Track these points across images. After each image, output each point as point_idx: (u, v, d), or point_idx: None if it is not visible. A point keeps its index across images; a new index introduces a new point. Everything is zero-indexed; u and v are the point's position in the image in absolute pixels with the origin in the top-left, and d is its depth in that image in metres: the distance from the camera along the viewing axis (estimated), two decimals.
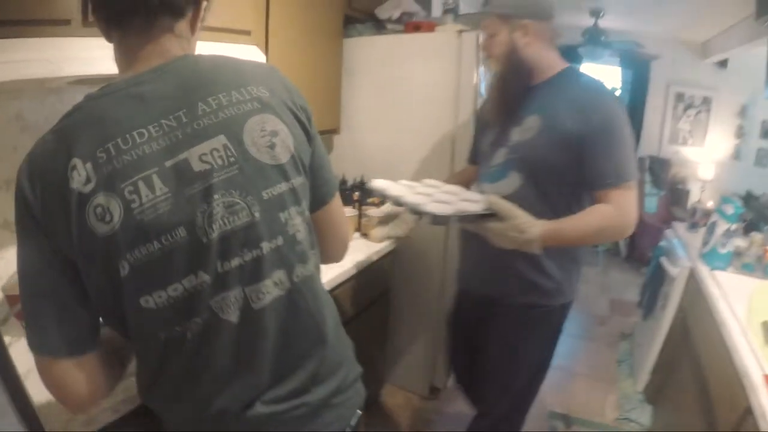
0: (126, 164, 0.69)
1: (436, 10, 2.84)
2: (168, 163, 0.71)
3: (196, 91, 0.76)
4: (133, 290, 0.72)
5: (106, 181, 0.68)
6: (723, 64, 4.71)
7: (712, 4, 3.21)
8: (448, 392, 2.54)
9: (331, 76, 2.28)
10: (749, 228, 2.54)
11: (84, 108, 0.73)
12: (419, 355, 2.49)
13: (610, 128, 1.30)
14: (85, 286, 0.73)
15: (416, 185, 1.45)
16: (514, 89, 1.45)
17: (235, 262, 0.76)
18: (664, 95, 5.13)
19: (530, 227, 1.25)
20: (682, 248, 2.57)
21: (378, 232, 1.69)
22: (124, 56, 0.78)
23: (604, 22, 4.09)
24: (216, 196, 0.73)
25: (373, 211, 1.78)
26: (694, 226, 2.77)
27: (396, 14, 2.31)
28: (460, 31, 2.06)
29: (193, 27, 0.82)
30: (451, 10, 2.31)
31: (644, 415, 2.54)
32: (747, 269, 2.23)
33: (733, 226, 2.18)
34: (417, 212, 1.30)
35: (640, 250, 4.57)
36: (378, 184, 1.46)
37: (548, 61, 1.44)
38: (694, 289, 2.22)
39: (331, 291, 1.67)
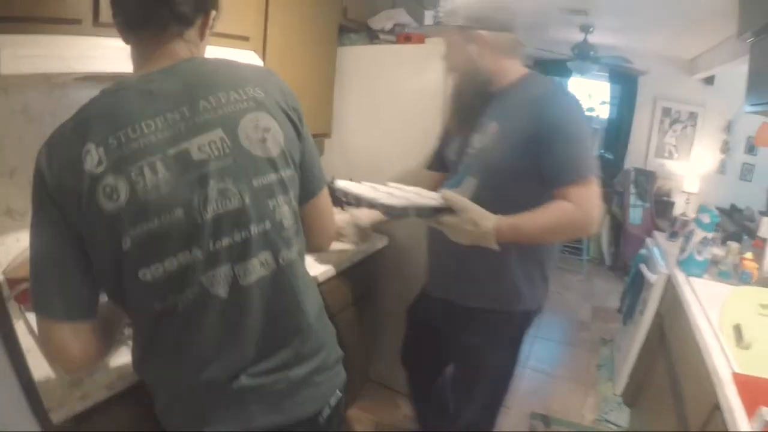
0: (134, 150, 0.78)
1: (428, 22, 2.92)
2: (171, 152, 0.81)
3: (198, 90, 0.85)
4: (132, 263, 0.80)
5: (115, 165, 0.77)
6: (710, 80, 4.80)
7: (699, 22, 3.26)
8: None
9: (325, 83, 2.34)
10: (729, 238, 2.62)
11: (100, 100, 0.82)
12: None
13: (566, 126, 1.32)
14: (89, 258, 0.82)
15: (379, 186, 1.46)
16: (470, 98, 1.49)
17: (225, 241, 0.85)
18: (651, 110, 5.22)
19: (484, 220, 1.26)
20: (661, 256, 2.64)
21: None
22: (138, 57, 0.89)
23: (593, 38, 4.15)
24: (211, 182, 0.82)
25: (359, 212, 1.85)
26: (673, 235, 2.84)
27: (389, 25, 2.39)
28: None
29: (201, 33, 0.92)
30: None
31: (621, 417, 2.61)
32: (723, 277, 2.31)
33: (710, 235, 2.25)
34: (373, 206, 1.32)
35: (624, 259, 4.65)
36: (340, 184, 1.49)
37: (505, 70, 1.46)
38: (671, 295, 2.29)
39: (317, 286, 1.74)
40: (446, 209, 1.29)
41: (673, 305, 2.22)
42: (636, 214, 4.96)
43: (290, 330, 0.97)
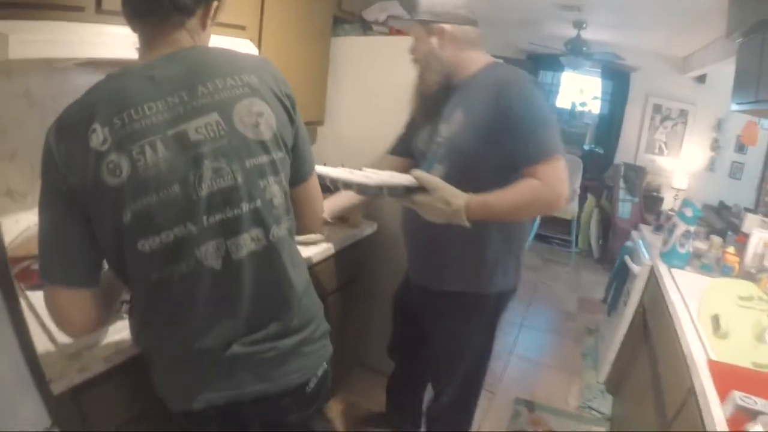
0: (136, 130, 0.84)
1: None
2: (170, 132, 0.87)
3: (197, 76, 0.91)
4: (132, 234, 0.86)
5: (119, 143, 0.83)
6: (701, 79, 4.84)
7: (691, 21, 3.29)
8: None
9: (318, 72, 2.38)
10: (715, 234, 2.68)
11: (105, 84, 0.88)
12: None
13: (527, 109, 1.36)
14: (93, 230, 0.87)
15: (355, 171, 1.49)
16: (433, 89, 1.55)
17: (218, 217, 0.91)
18: (642, 106, 5.27)
19: (455, 198, 1.30)
20: (646, 248, 2.71)
21: None
22: (143, 44, 0.94)
23: (586, 34, 4.17)
24: (206, 162, 0.88)
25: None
26: (658, 228, 2.90)
27: (382, 17, 2.42)
28: None
29: (203, 24, 0.97)
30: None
31: (604, 404, 2.69)
32: (705, 270, 2.37)
33: (692, 228, 2.32)
34: (348, 186, 1.37)
35: (612, 253, 4.71)
36: (318, 169, 1.54)
37: (468, 61, 1.52)
38: (654, 286, 2.35)
39: (309, 269, 1.79)
40: (419, 189, 1.34)
41: (655, 296, 2.27)
42: (625, 208, 5.02)
43: (279, 303, 1.03)
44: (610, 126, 5.66)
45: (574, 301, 4.18)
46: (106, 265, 0.97)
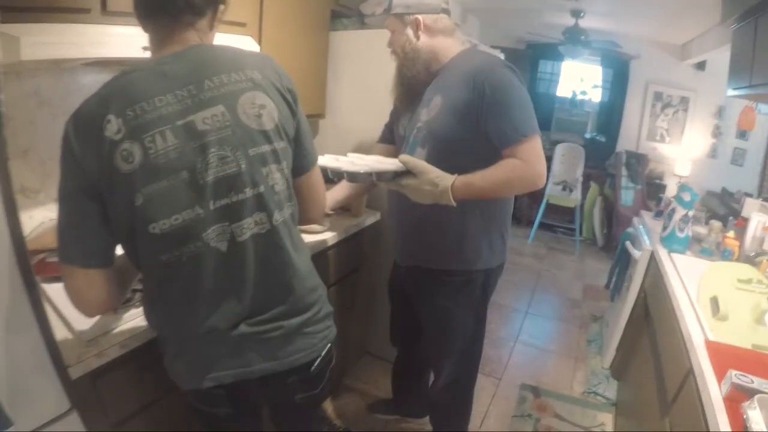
0: (148, 121, 0.90)
1: None
2: (179, 123, 0.92)
3: (204, 71, 0.97)
4: (143, 217, 0.92)
5: (131, 132, 0.89)
6: (701, 66, 4.82)
7: (689, 7, 3.29)
8: None
9: (318, 66, 2.42)
10: (715, 219, 2.70)
11: (120, 79, 0.94)
12: None
13: (502, 92, 1.41)
14: (107, 214, 0.93)
15: (341, 157, 1.55)
16: (411, 77, 1.61)
17: (224, 201, 0.97)
18: (643, 94, 5.25)
19: (441, 179, 1.37)
20: (647, 234, 2.74)
21: None
22: (154, 43, 1.01)
23: (584, 22, 4.16)
24: (212, 150, 0.94)
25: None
26: (659, 214, 2.92)
27: (379, 11, 2.44)
28: None
29: (211, 24, 1.04)
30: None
31: (609, 389, 2.72)
32: (705, 254, 2.39)
33: (691, 212, 2.34)
34: (337, 174, 1.42)
35: (616, 240, 4.72)
36: None
37: (444, 49, 1.59)
38: (655, 271, 2.38)
39: (313, 257, 1.83)
40: (405, 173, 1.40)
41: (655, 281, 2.30)
42: (627, 196, 5.03)
43: (283, 284, 1.09)
44: (611, 114, 5.65)
45: (578, 289, 4.21)
46: (119, 250, 1.02)
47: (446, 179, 1.38)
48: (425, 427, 2.14)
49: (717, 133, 4.99)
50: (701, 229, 2.58)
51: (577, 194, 5.13)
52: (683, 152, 5.13)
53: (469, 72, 1.47)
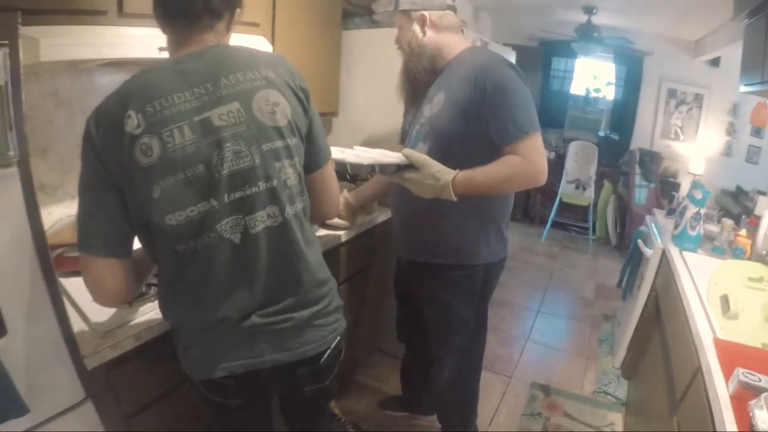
0: (166, 116, 0.94)
1: None
2: (196, 119, 0.96)
3: (221, 70, 1.01)
4: (160, 209, 0.96)
5: (151, 127, 0.93)
6: (715, 62, 4.76)
7: (701, 3, 3.25)
8: None
9: (331, 65, 2.45)
10: (730, 218, 2.68)
11: (140, 77, 0.99)
12: None
13: (504, 90, 1.43)
14: (126, 206, 0.97)
15: (346, 149, 1.56)
16: (417, 73, 1.64)
17: (238, 194, 1.01)
18: (656, 91, 5.21)
19: (443, 174, 1.40)
20: (659, 232, 2.72)
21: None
22: (173, 44, 1.06)
23: (597, 19, 4.15)
24: (227, 145, 0.98)
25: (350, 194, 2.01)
26: (671, 212, 2.90)
27: (389, 9, 2.46)
28: None
29: (228, 26, 1.08)
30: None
31: (620, 389, 2.71)
32: (717, 252, 2.38)
33: (702, 210, 2.33)
34: (341, 166, 1.44)
35: (630, 239, 4.69)
36: None
37: (449, 46, 1.61)
38: (666, 269, 2.36)
39: (325, 254, 1.86)
40: (408, 166, 1.43)
41: (666, 279, 2.29)
42: (641, 194, 4.99)
43: (294, 276, 1.12)
44: (624, 111, 5.62)
45: (591, 288, 4.19)
46: (137, 244, 1.06)
47: (448, 174, 1.40)
48: (435, 425, 2.15)
49: (731, 130, 4.92)
50: (713, 228, 2.56)
51: (590, 193, 5.10)
52: (697, 150, 5.07)
53: (471, 70, 1.49)
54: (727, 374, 1.29)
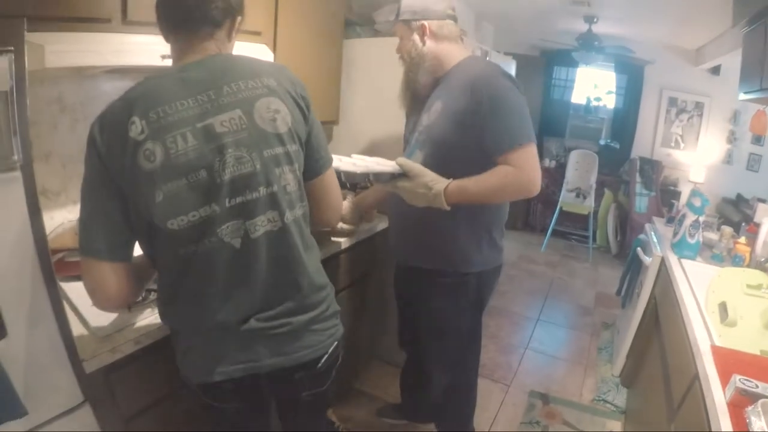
0: (170, 123, 0.96)
1: None
2: (199, 125, 0.99)
3: (223, 78, 1.04)
4: (163, 213, 0.97)
5: (154, 133, 0.95)
6: (716, 70, 4.78)
7: (700, 11, 3.28)
8: None
9: (332, 73, 2.46)
10: (730, 226, 2.68)
11: (144, 84, 1.01)
12: None
13: (499, 100, 1.45)
14: (128, 210, 0.99)
15: (344, 157, 1.58)
16: (416, 82, 1.66)
17: (239, 199, 1.02)
18: (657, 99, 5.23)
19: (435, 183, 1.42)
20: (658, 240, 2.73)
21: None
22: (176, 52, 1.08)
23: (597, 28, 4.17)
24: (229, 150, 1.00)
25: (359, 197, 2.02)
26: (670, 220, 2.90)
27: (391, 18, 2.48)
28: None
29: (229, 34, 1.10)
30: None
31: (619, 397, 2.69)
32: (716, 260, 2.38)
33: (702, 218, 2.33)
34: (336, 173, 1.43)
35: (630, 248, 4.70)
36: None
37: (448, 55, 1.63)
38: (665, 277, 2.36)
39: (325, 261, 1.87)
40: (402, 175, 1.45)
41: (665, 287, 2.29)
42: (642, 202, 5.01)
43: (292, 281, 1.13)
44: (625, 120, 5.63)
45: (591, 297, 4.19)
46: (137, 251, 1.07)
47: (440, 183, 1.42)
48: None
49: (732, 138, 4.94)
50: (712, 235, 2.56)
51: (590, 201, 5.11)
52: (698, 158, 5.09)
53: (468, 80, 1.51)
54: (725, 381, 1.29)
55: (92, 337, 1.18)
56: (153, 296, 1.31)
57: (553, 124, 6.07)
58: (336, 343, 1.24)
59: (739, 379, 1.22)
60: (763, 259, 2.21)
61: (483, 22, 4.28)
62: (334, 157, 1.51)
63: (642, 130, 5.40)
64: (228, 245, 1.03)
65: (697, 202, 2.31)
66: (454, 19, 1.65)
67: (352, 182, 1.52)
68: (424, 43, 1.62)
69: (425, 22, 1.60)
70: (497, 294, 3.91)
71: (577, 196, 5.18)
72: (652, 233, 2.86)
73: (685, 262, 2.31)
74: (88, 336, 1.19)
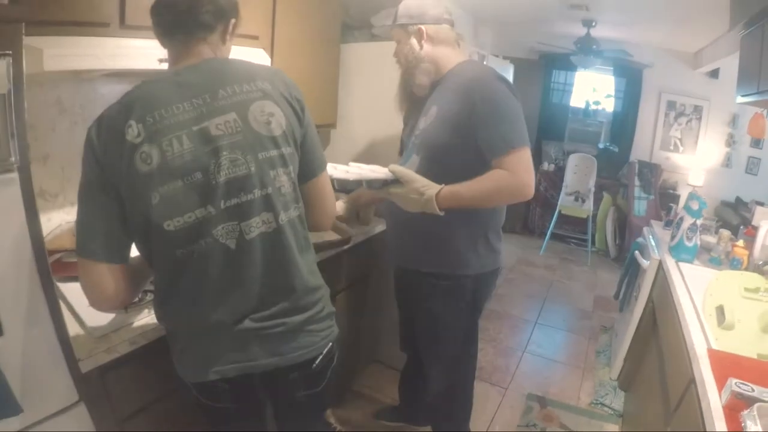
0: (166, 126, 0.98)
1: None
2: (194, 128, 1.00)
3: (218, 82, 1.06)
4: (159, 215, 0.99)
5: (150, 136, 0.97)
6: (714, 74, 4.79)
7: (698, 15, 3.29)
8: None
9: (329, 77, 2.47)
10: (728, 230, 2.68)
11: (141, 88, 1.03)
12: None
13: (492, 104, 1.46)
14: (124, 212, 1.00)
15: (339, 165, 1.61)
16: (414, 86, 1.67)
17: (234, 201, 1.04)
18: (656, 103, 5.24)
19: (427, 189, 1.42)
20: (656, 243, 2.73)
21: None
22: (171, 57, 1.10)
23: (596, 32, 4.18)
24: (224, 153, 1.02)
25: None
26: (668, 224, 2.90)
27: (388, 22, 2.50)
28: None
29: (223, 38, 1.12)
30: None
31: (617, 400, 2.70)
32: (714, 263, 2.38)
33: (699, 221, 2.34)
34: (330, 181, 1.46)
35: (629, 251, 4.70)
36: None
37: (445, 59, 1.64)
38: (662, 281, 2.36)
39: (321, 263, 1.87)
40: (395, 181, 1.46)
41: (663, 290, 2.29)
42: (641, 206, 5.01)
43: (287, 282, 1.14)
44: (624, 124, 5.65)
45: (589, 300, 4.19)
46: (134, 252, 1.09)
47: (432, 188, 1.43)
48: None
49: (731, 141, 4.94)
50: (711, 239, 2.57)
51: (589, 205, 5.12)
52: (697, 162, 5.09)
53: (462, 83, 1.52)
54: (721, 385, 1.28)
55: (88, 337, 1.19)
56: (149, 297, 1.32)
57: (552, 128, 6.08)
58: (331, 344, 1.25)
59: (735, 383, 1.22)
60: (761, 262, 2.21)
61: (481, 27, 4.30)
62: (330, 165, 1.52)
63: (641, 134, 5.41)
64: (223, 246, 1.04)
65: (695, 206, 2.32)
66: (451, 23, 1.66)
67: (345, 189, 1.52)
68: (421, 47, 1.63)
69: (422, 26, 1.61)
70: (496, 297, 3.92)
71: (576, 199, 5.19)
72: (650, 236, 2.87)
73: (683, 265, 2.31)
74: (84, 335, 1.19)
